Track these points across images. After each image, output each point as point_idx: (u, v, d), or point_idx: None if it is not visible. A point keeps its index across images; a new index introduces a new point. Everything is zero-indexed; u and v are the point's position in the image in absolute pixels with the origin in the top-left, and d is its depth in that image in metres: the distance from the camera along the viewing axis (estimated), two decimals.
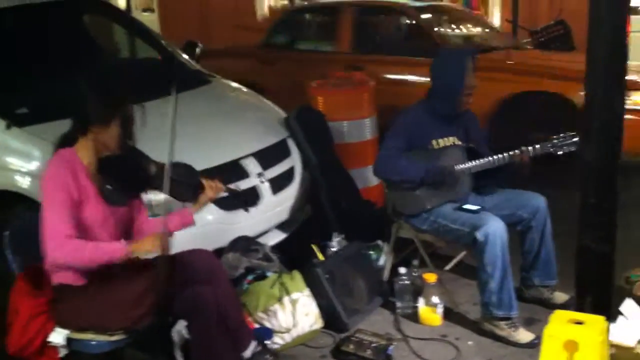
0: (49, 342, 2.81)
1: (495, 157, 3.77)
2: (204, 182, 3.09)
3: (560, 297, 3.90)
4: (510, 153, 3.75)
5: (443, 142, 3.89)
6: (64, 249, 2.67)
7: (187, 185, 3.03)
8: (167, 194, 2.85)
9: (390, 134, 3.88)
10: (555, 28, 7.92)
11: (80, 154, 2.82)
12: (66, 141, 2.87)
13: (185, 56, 5.55)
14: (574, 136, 3.68)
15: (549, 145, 3.73)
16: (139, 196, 3.04)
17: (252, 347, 3.27)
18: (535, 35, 8.06)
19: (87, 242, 2.74)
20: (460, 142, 3.91)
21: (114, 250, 2.77)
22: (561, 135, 3.73)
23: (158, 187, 2.90)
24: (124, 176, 2.89)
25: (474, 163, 3.79)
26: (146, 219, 3.14)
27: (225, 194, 3.27)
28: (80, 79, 2.86)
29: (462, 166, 3.79)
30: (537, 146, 3.73)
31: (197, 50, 5.72)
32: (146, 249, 2.81)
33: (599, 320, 2.62)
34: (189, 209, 3.14)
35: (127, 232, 3.06)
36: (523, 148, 3.73)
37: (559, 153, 3.72)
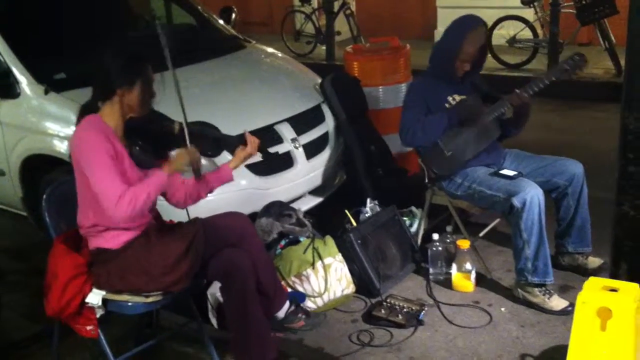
0: (87, 303, 2.87)
1: (511, 95, 3.74)
2: (246, 135, 3.13)
3: (595, 261, 3.86)
4: (522, 89, 3.71)
5: (458, 97, 3.87)
6: (122, 208, 2.70)
7: (208, 139, 3.07)
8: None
9: (407, 108, 3.89)
10: None
11: (106, 120, 2.85)
12: (88, 109, 2.91)
13: (221, 21, 5.55)
14: (580, 54, 3.71)
15: (559, 70, 3.75)
16: (166, 156, 3.06)
17: (285, 308, 3.33)
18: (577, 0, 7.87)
19: (134, 189, 2.75)
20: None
21: (158, 180, 2.82)
22: (567, 58, 3.75)
23: (182, 145, 2.93)
24: (149, 137, 2.93)
25: (493, 107, 3.79)
26: (180, 179, 3.17)
27: (259, 159, 3.28)
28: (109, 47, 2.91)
29: (484, 116, 3.79)
30: (550, 74, 3.75)
31: (233, 15, 5.72)
32: (180, 163, 2.87)
33: (633, 287, 2.59)
34: (226, 164, 3.17)
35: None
36: (537, 81, 3.71)
37: (572, 73, 3.72)
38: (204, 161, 3.60)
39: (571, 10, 8.19)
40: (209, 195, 3.23)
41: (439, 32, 11.09)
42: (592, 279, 2.70)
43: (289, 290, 3.58)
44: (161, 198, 3.17)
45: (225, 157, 3.52)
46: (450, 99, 3.86)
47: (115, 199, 2.69)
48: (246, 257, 2.96)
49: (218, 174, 3.18)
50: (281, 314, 3.32)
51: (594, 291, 2.61)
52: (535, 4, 8.82)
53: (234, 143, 3.16)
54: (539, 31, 8.96)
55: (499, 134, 3.89)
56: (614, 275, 2.76)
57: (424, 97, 3.85)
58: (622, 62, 7.95)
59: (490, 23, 9.06)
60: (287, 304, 3.34)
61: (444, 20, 11.08)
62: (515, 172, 3.73)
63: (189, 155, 2.90)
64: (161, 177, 2.84)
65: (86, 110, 2.91)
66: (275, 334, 3.29)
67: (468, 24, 3.83)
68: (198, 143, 2.94)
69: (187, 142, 2.89)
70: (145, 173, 2.94)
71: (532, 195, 3.47)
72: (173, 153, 2.96)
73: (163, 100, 2.99)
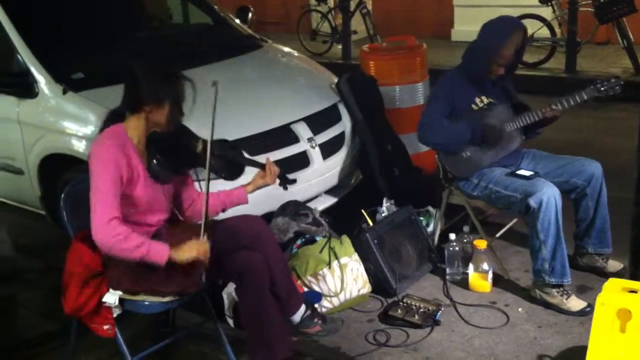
0: (104, 302, 2.88)
1: (539, 110, 3.71)
2: (267, 164, 3.13)
3: (614, 265, 3.83)
4: (558, 103, 3.67)
5: (486, 100, 3.83)
6: (112, 233, 2.67)
7: (230, 163, 3.05)
8: (208, 170, 2.86)
9: (431, 101, 3.84)
10: None
11: (129, 132, 2.85)
12: (115, 116, 2.90)
13: (237, 21, 5.56)
14: (617, 77, 3.64)
15: (592, 88, 3.66)
16: (185, 173, 3.07)
17: (301, 312, 3.32)
18: None
19: (135, 235, 2.72)
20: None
21: (158, 251, 2.74)
22: (604, 79, 3.66)
23: (203, 165, 2.91)
24: (171, 152, 2.89)
25: (521, 118, 3.74)
26: (197, 194, 3.18)
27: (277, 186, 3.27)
28: (133, 57, 2.89)
29: (510, 126, 3.74)
30: (583, 92, 3.66)
31: (249, 15, 5.73)
32: (187, 256, 2.78)
33: None
34: (243, 187, 3.18)
35: (174, 208, 3.13)
36: (569, 97, 3.66)
37: (603, 95, 3.65)
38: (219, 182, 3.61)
39: (589, 9, 8.13)
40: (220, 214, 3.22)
41: (455, 31, 11.07)
42: (611, 280, 2.69)
43: (305, 289, 3.58)
44: None
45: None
46: (477, 100, 3.82)
47: (104, 220, 2.67)
48: (260, 259, 2.95)
49: (234, 195, 3.18)
50: (297, 318, 3.31)
51: (614, 292, 2.60)
52: (553, 2, 8.77)
53: (253, 167, 3.16)
54: (557, 30, 8.90)
55: (520, 144, 3.83)
56: (634, 277, 2.74)
57: (451, 94, 3.80)
58: None
59: None
60: (303, 307, 3.32)
61: (460, 19, 11.07)
62: (531, 172, 3.70)
63: (199, 252, 2.79)
64: (160, 255, 2.73)
65: (113, 117, 2.90)
66: (290, 337, 3.29)
67: (510, 27, 3.73)
68: (216, 164, 2.93)
69: (207, 164, 2.84)
70: (161, 188, 2.94)
71: (549, 196, 3.45)
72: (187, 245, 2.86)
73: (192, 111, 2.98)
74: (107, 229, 2.67)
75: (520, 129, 3.79)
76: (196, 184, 3.19)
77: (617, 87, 3.64)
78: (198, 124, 3.01)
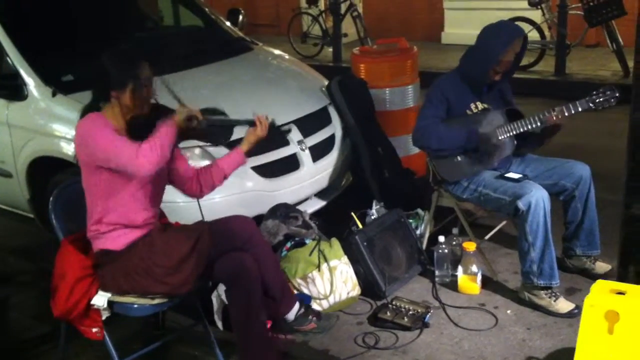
0: (92, 304, 2.88)
1: (534, 117, 3.70)
2: (257, 117, 3.10)
3: (602, 267, 3.85)
4: (551, 111, 3.67)
5: (481, 105, 3.83)
6: (148, 159, 2.69)
7: (218, 128, 3.03)
8: (200, 139, 2.86)
9: (427, 104, 3.83)
10: None
11: (109, 120, 2.87)
12: (89, 111, 2.93)
13: (228, 23, 5.56)
14: (613, 90, 3.61)
15: (587, 101, 3.65)
16: (174, 151, 3.07)
17: (295, 310, 3.33)
18: (584, 0, 7.85)
19: (150, 140, 2.75)
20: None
21: (166, 128, 2.78)
22: (600, 90, 3.65)
23: (189, 136, 2.93)
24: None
25: (514, 125, 3.73)
26: (192, 168, 3.18)
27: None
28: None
29: (502, 133, 3.74)
30: (577, 103, 3.65)
31: (240, 17, 5.73)
32: (180, 117, 2.82)
33: None
34: (238, 147, 3.16)
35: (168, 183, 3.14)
36: (563, 106, 3.66)
37: (599, 108, 3.64)
38: (213, 149, 3.61)
39: (579, 12, 8.17)
40: (215, 196, 3.21)
41: (446, 34, 11.12)
42: (599, 281, 2.70)
43: (295, 292, 3.58)
44: (171, 200, 3.19)
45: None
46: (473, 106, 3.82)
47: (134, 153, 2.70)
48: (251, 260, 2.96)
49: (230, 158, 3.16)
50: (291, 316, 3.31)
51: (602, 294, 2.61)
52: (543, 5, 8.80)
53: (244, 125, 3.13)
54: (547, 33, 8.95)
55: (511, 151, 3.82)
56: (622, 278, 2.76)
57: (448, 97, 3.80)
58: (630, 64, 7.99)
59: None
60: (297, 305, 3.34)
61: (451, 21, 11.11)
62: (520, 175, 3.72)
63: (186, 111, 2.85)
64: (168, 125, 2.79)
65: (88, 112, 2.92)
66: (285, 336, 3.30)
67: (511, 34, 3.71)
68: (209, 132, 2.94)
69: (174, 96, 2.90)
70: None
71: (537, 198, 3.47)
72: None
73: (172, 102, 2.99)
74: (142, 160, 2.69)
75: (513, 137, 3.79)
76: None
77: (612, 100, 3.62)
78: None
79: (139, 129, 2.87)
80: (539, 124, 3.70)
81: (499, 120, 3.78)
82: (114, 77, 2.82)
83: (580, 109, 3.65)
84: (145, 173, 2.74)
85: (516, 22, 8.68)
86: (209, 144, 3.12)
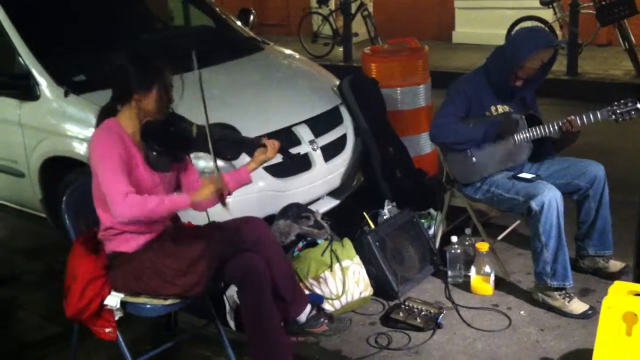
0: (105, 305, 2.88)
1: (553, 124, 3.67)
2: (265, 140, 3.10)
3: (616, 266, 3.82)
4: (569, 119, 3.64)
5: (501, 108, 3.80)
6: (130, 204, 2.69)
7: (228, 143, 3.03)
8: (209, 153, 2.86)
9: (448, 101, 3.80)
10: None
11: (123, 124, 2.87)
12: (108, 112, 2.93)
13: (239, 23, 5.56)
14: (635, 102, 3.56)
15: (609, 111, 3.61)
16: (184, 159, 3.07)
17: (306, 312, 3.32)
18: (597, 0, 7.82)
19: (152, 197, 2.77)
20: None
21: (177, 202, 2.81)
22: (622, 101, 3.60)
23: (200, 149, 2.93)
24: (167, 141, 2.91)
25: (532, 130, 3.70)
26: (199, 181, 3.16)
27: (280, 159, 3.26)
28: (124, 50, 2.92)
29: (520, 134, 3.72)
30: (598, 112, 3.61)
31: (251, 17, 5.73)
32: (205, 194, 2.83)
33: None
34: (245, 167, 3.15)
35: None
36: (583, 115, 3.63)
37: (619, 120, 3.60)
38: (221, 163, 3.60)
39: (591, 11, 8.13)
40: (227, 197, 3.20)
41: (457, 33, 11.09)
42: (617, 283, 2.68)
43: (307, 292, 3.57)
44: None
45: (242, 158, 3.51)
46: (493, 108, 3.79)
47: (120, 197, 2.69)
48: (262, 262, 2.95)
49: (236, 176, 3.15)
50: (302, 317, 3.30)
51: (620, 296, 2.59)
52: (555, 4, 8.77)
53: (253, 145, 3.14)
54: (558, 32, 8.91)
55: (528, 156, 3.79)
56: (638, 279, 2.74)
57: (469, 95, 3.77)
58: None
59: (508, 23, 9.04)
60: (309, 307, 3.32)
61: (462, 21, 11.08)
62: (533, 175, 3.70)
63: (215, 185, 2.85)
64: (183, 201, 2.82)
65: (105, 113, 2.93)
66: (297, 338, 3.29)
67: (540, 41, 3.66)
68: (217, 146, 2.91)
69: (210, 147, 2.84)
70: (162, 177, 2.95)
71: (550, 198, 3.45)
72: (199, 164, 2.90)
73: (183, 102, 2.99)
74: (125, 203, 2.69)
75: (530, 142, 3.76)
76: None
77: (633, 112, 3.56)
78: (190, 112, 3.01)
79: (152, 134, 2.86)
80: (557, 129, 3.67)
81: (518, 125, 3.74)
82: (139, 79, 2.81)
83: (600, 119, 3.61)
84: (118, 218, 2.75)
85: (528, 21, 8.73)
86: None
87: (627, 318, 2.52)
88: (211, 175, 2.89)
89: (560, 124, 3.66)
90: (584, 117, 3.62)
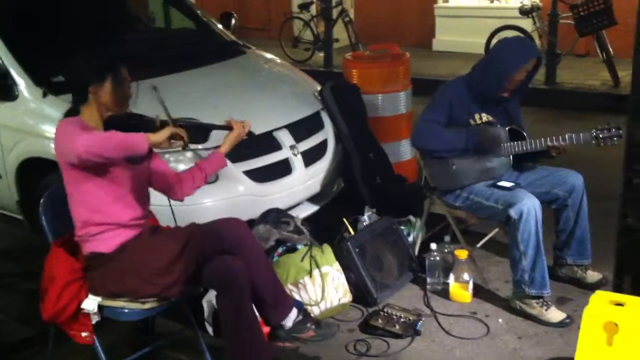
0: (82, 309, 2.85)
1: (536, 141, 3.70)
2: (232, 122, 3.12)
3: (593, 276, 3.85)
4: (550, 141, 3.68)
5: (486, 117, 3.82)
6: (93, 139, 2.69)
7: (193, 129, 3.00)
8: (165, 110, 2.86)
9: (432, 106, 3.80)
10: (596, 3, 7.73)
11: (87, 120, 2.87)
12: (70, 115, 2.93)
13: (220, 27, 5.54)
14: (618, 128, 3.60)
15: (592, 135, 3.64)
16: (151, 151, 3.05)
17: (292, 317, 3.26)
18: (575, 9, 7.89)
19: (104, 133, 2.75)
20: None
21: (138, 141, 2.71)
22: (605, 126, 3.64)
23: None
24: (130, 132, 2.84)
25: (514, 145, 3.73)
26: (165, 164, 3.19)
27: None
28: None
29: (506, 144, 3.74)
30: (581, 135, 3.65)
31: (233, 21, 5.71)
32: (162, 135, 2.75)
33: (639, 302, 2.58)
34: (219, 150, 3.16)
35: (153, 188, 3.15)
36: (566, 135, 3.66)
37: (601, 144, 3.64)
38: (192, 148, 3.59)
39: (570, 21, 8.20)
40: (206, 200, 3.19)
41: (437, 41, 11.15)
42: (598, 292, 2.69)
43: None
44: (161, 203, 3.16)
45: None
46: (477, 116, 3.80)
47: (90, 135, 2.71)
48: (241, 265, 2.92)
49: (211, 160, 3.18)
50: (288, 323, 3.23)
51: (601, 305, 2.60)
52: (534, 14, 8.84)
53: (220, 128, 3.15)
54: (537, 41, 8.97)
55: (508, 170, 3.81)
56: (617, 289, 2.75)
57: (452, 103, 3.77)
58: (620, 74, 8.03)
59: (488, 32, 9.12)
60: (295, 312, 3.25)
61: (442, 28, 11.15)
62: (512, 184, 3.72)
63: (172, 130, 2.79)
64: (142, 142, 2.71)
65: (68, 116, 2.93)
66: (283, 344, 3.27)
67: (528, 53, 3.71)
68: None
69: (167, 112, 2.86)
70: (136, 169, 2.95)
71: (529, 207, 3.47)
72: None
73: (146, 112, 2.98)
74: (81, 139, 2.68)
75: (511, 157, 3.78)
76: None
77: (616, 139, 3.60)
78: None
79: (115, 127, 2.84)
80: (539, 148, 3.70)
81: (501, 137, 3.77)
82: (91, 72, 2.84)
83: (582, 141, 3.66)
84: (78, 149, 2.69)
85: (507, 31, 8.80)
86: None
87: (608, 328, 2.54)
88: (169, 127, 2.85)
89: (544, 144, 3.68)
90: (567, 138, 3.65)
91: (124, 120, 2.88)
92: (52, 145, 3.86)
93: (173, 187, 3.14)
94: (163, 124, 2.86)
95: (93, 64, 2.87)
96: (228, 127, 3.13)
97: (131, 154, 2.75)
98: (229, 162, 3.37)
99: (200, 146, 3.74)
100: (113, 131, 2.76)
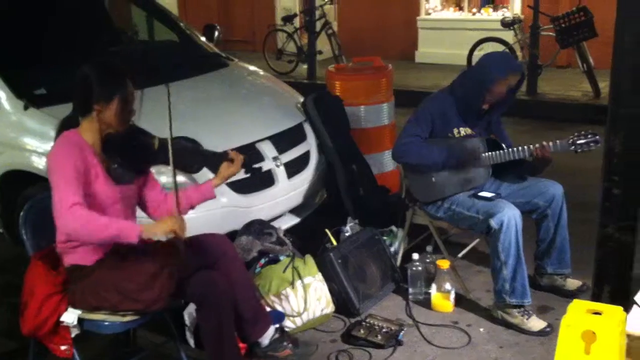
0: (62, 322, 2.83)
1: (515, 149, 3.74)
2: (231, 154, 3.08)
3: (573, 283, 3.88)
4: (531, 147, 3.71)
5: (464, 131, 3.85)
6: (74, 216, 2.62)
7: (191, 156, 3.01)
8: (171, 166, 2.83)
9: (414, 121, 3.83)
10: (577, 15, 7.82)
11: (84, 135, 2.84)
12: (68, 124, 2.89)
13: (203, 39, 5.55)
14: (594, 135, 3.64)
15: (569, 142, 3.69)
16: (146, 172, 3.04)
17: (269, 334, 3.26)
18: (556, 22, 7.97)
19: (100, 215, 2.71)
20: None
21: (128, 229, 2.71)
22: (582, 132, 3.68)
23: (162, 162, 2.89)
24: (128, 153, 2.88)
25: (493, 154, 3.76)
26: (163, 194, 3.13)
27: (244, 175, 3.25)
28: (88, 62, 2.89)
29: (484, 154, 3.77)
30: (558, 142, 3.69)
31: (216, 33, 5.72)
32: (160, 231, 2.77)
33: (617, 310, 2.59)
34: (210, 181, 3.13)
35: (136, 209, 3.09)
36: (544, 143, 3.69)
37: (578, 151, 3.68)
38: (183, 178, 3.58)
39: (551, 33, 8.30)
40: (190, 212, 3.18)
41: (420, 53, 11.23)
42: (575, 301, 2.70)
43: (268, 309, 3.55)
44: (145, 216, 3.15)
45: (205, 173, 3.49)
46: (455, 130, 3.83)
47: (65, 206, 2.62)
48: (222, 279, 2.91)
49: (200, 190, 3.13)
50: (265, 340, 3.24)
51: (578, 314, 2.61)
52: (515, 26, 8.94)
53: (218, 158, 3.10)
54: (519, 53, 9.08)
55: (487, 180, 3.84)
56: (596, 297, 2.77)
57: (434, 118, 3.80)
58: (600, 85, 8.11)
59: (470, 44, 9.19)
60: (272, 329, 3.26)
61: (424, 40, 11.23)
62: (493, 194, 3.75)
63: (172, 224, 2.77)
64: (132, 233, 2.69)
65: (66, 125, 2.89)
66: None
67: (511, 67, 3.75)
68: (180, 157, 2.89)
69: (170, 159, 2.81)
70: (123, 192, 2.92)
71: (509, 217, 3.49)
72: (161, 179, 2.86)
73: (146, 117, 2.97)
74: (69, 213, 2.62)
75: (490, 166, 3.81)
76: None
77: (592, 145, 3.65)
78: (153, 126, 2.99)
79: (113, 146, 2.84)
80: (517, 156, 3.73)
81: (480, 148, 3.80)
82: (100, 90, 2.78)
83: (560, 149, 3.70)
84: (60, 229, 2.71)
85: (489, 42, 8.88)
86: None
87: (586, 336, 2.54)
88: (172, 215, 2.84)
89: (523, 153, 3.72)
90: (545, 145, 3.70)
91: (123, 140, 2.86)
92: (33, 158, 3.90)
93: (158, 211, 3.10)
94: (161, 143, 2.86)
95: (102, 81, 2.79)
96: (227, 158, 3.08)
97: (118, 241, 2.74)
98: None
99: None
100: (108, 222, 2.68)
